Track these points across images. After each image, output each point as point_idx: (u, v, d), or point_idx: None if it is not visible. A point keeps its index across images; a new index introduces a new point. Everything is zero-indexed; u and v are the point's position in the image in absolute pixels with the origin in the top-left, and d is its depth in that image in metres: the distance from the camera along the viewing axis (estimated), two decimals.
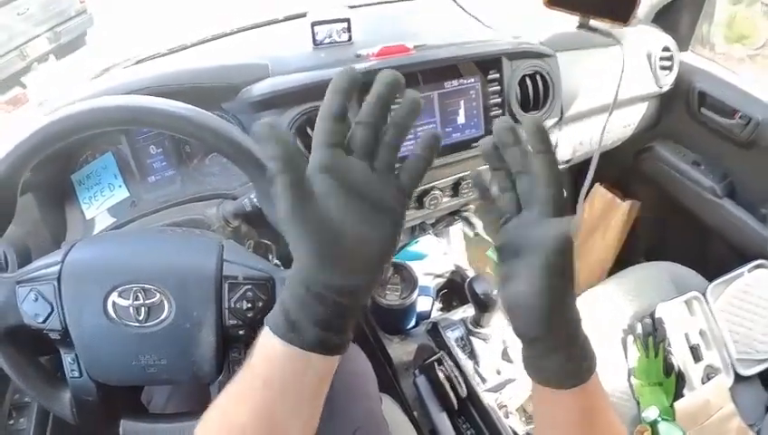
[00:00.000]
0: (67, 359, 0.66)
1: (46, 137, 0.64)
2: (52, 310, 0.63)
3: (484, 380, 1.11)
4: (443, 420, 1.10)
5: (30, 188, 0.84)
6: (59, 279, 0.63)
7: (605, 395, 0.52)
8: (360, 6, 1.20)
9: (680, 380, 1.20)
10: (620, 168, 1.71)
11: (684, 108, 1.46)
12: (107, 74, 1.03)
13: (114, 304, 0.63)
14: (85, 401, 0.68)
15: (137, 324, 0.63)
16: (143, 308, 0.63)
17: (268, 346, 0.45)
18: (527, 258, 0.49)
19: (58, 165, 0.87)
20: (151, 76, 0.88)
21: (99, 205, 0.88)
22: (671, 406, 1.16)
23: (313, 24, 0.97)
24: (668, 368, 1.20)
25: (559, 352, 0.49)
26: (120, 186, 0.89)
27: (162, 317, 0.64)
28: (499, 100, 1.04)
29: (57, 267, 0.63)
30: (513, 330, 0.52)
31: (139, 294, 0.63)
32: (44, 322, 0.63)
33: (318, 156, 0.44)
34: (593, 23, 0.72)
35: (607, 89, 0.93)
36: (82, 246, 0.67)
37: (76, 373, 0.66)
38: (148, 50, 1.08)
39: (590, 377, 0.49)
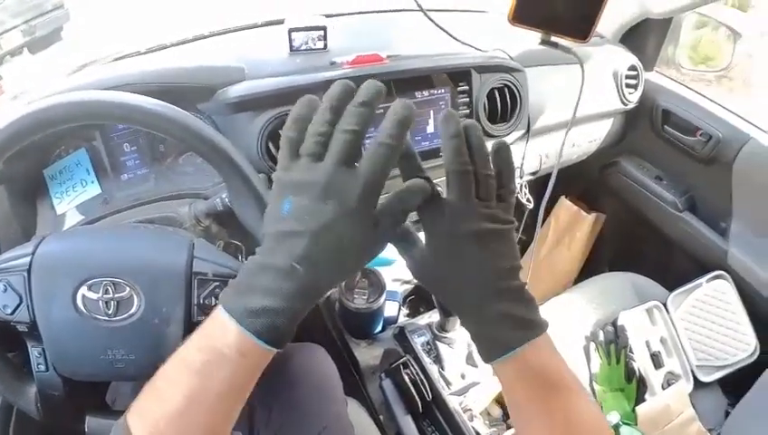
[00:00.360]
0: (34, 352, 0.66)
1: (22, 128, 0.64)
2: (21, 301, 0.63)
3: (449, 383, 1.12)
4: (408, 424, 1.11)
5: (1, 180, 0.84)
6: (29, 271, 0.63)
7: (554, 356, 0.52)
8: (336, 15, 1.22)
9: (641, 386, 1.23)
10: (586, 181, 1.75)
11: (648, 125, 1.51)
12: (85, 70, 1.02)
13: (84, 297, 0.63)
14: (51, 396, 0.68)
15: (106, 318, 0.64)
16: (112, 302, 0.64)
17: (213, 315, 0.47)
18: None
19: (31, 159, 0.86)
20: (129, 73, 0.88)
21: (70, 200, 0.88)
22: (633, 411, 1.19)
23: (290, 31, 0.98)
24: (630, 374, 1.23)
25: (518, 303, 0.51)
26: (93, 182, 0.89)
27: (131, 312, 0.64)
28: (468, 111, 1.07)
29: (28, 259, 0.63)
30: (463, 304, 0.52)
31: (109, 288, 0.64)
32: (12, 313, 0.63)
33: (295, 164, 0.47)
34: (554, 39, 0.76)
35: (571, 105, 0.97)
36: (54, 238, 0.67)
37: (43, 367, 0.66)
38: (127, 48, 1.08)
39: (543, 332, 0.50)
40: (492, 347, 0.50)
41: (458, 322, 1.18)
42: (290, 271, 0.45)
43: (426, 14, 0.96)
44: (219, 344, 0.45)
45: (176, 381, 0.46)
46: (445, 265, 0.51)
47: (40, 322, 0.63)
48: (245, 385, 0.48)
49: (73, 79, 0.95)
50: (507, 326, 0.49)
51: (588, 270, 1.83)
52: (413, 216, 0.51)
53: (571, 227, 1.84)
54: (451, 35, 1.02)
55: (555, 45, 0.77)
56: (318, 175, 0.45)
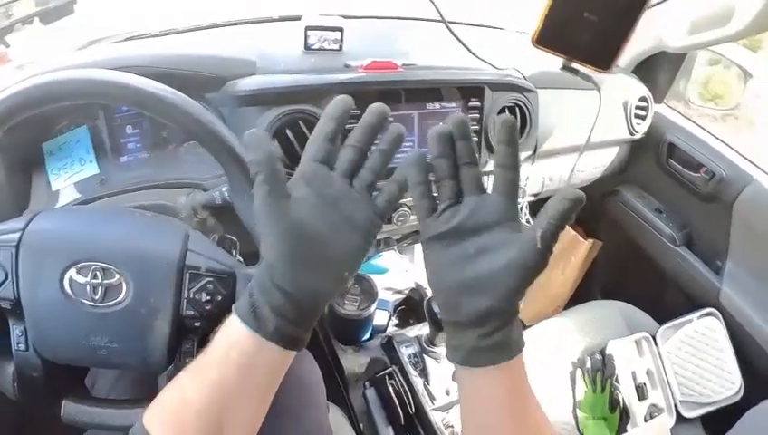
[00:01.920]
0: (15, 331, 0.65)
1: (18, 102, 0.63)
2: (6, 277, 0.61)
3: (433, 398, 1.12)
4: None
5: None
6: (18, 247, 0.61)
7: (526, 376, 0.52)
8: (354, 18, 1.21)
9: (624, 416, 1.23)
10: (586, 207, 1.73)
11: (653, 157, 1.51)
12: (93, 47, 1.01)
13: (71, 279, 0.62)
14: (28, 377, 0.66)
15: (92, 303, 0.62)
16: (100, 287, 0.62)
17: (230, 327, 0.49)
18: (497, 234, 0.49)
19: (31, 130, 0.84)
20: (139, 55, 0.87)
21: (67, 177, 0.86)
22: None
23: (307, 29, 0.97)
24: (614, 403, 1.23)
25: (511, 324, 0.49)
26: (92, 161, 0.87)
27: (119, 299, 0.63)
28: (477, 127, 1.07)
29: (17, 234, 0.62)
30: (457, 309, 0.49)
31: (98, 273, 0.62)
32: None
33: (303, 167, 0.50)
34: (576, 66, 0.75)
35: (581, 130, 0.97)
36: (46, 216, 0.66)
37: (23, 347, 0.65)
38: (139, 29, 1.07)
39: (521, 350, 0.50)
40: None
41: None
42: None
43: (448, 27, 0.95)
44: (242, 358, 0.48)
45: (197, 378, 0.49)
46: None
47: (24, 300, 0.62)
48: (261, 385, 0.50)
49: (81, 55, 0.94)
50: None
51: (580, 296, 1.83)
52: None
53: (566, 251, 1.84)
54: (470, 50, 1.01)
55: (576, 72, 0.77)
56: (334, 189, 0.50)
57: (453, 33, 0.96)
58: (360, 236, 0.50)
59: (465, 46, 1.00)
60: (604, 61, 0.72)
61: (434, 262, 0.51)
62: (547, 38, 0.72)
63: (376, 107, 0.50)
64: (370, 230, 0.51)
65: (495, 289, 0.48)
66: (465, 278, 0.49)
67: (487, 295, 0.48)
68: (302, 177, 0.50)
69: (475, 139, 1.07)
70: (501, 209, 0.50)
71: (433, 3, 0.94)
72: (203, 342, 0.67)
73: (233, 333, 0.48)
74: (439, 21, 0.95)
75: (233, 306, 0.49)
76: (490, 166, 1.08)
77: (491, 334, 0.48)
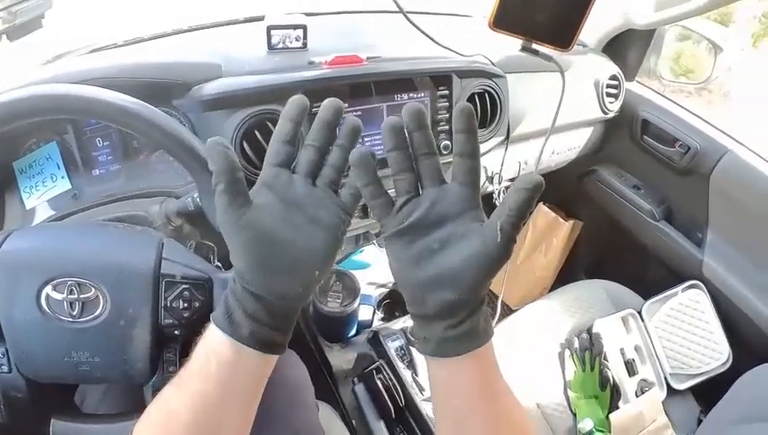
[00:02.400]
0: None
1: None
2: None
3: (422, 389, 1.12)
4: (381, 429, 1.11)
5: None
6: None
7: (496, 363, 0.51)
8: (317, 14, 1.21)
9: (615, 393, 1.24)
10: (564, 189, 1.76)
11: (627, 134, 1.52)
12: (59, 61, 1.00)
13: (48, 296, 0.62)
14: (14, 398, 0.66)
15: (70, 319, 0.62)
16: (77, 303, 0.62)
17: (209, 337, 0.49)
18: (459, 225, 0.48)
19: (0, 150, 0.84)
20: (104, 67, 0.86)
21: (39, 195, 0.85)
22: (606, 418, 1.19)
23: (270, 28, 0.96)
24: (604, 381, 1.24)
25: (478, 313, 0.49)
26: (63, 177, 0.87)
27: (96, 313, 0.63)
28: (447, 115, 1.07)
29: None
30: (423, 303, 0.49)
31: (74, 289, 0.62)
32: None
33: (264, 173, 0.50)
34: (536, 46, 0.75)
35: (552, 112, 0.97)
36: (19, 235, 0.66)
37: (5, 368, 0.64)
38: (104, 39, 1.06)
39: (489, 338, 0.50)
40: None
41: None
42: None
43: (406, 17, 0.95)
44: (222, 367, 0.48)
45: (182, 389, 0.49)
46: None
47: (2, 321, 0.62)
48: (245, 389, 0.50)
49: (46, 70, 0.93)
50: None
51: (564, 277, 1.85)
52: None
53: (548, 234, 1.85)
54: (431, 38, 1.01)
55: (536, 53, 0.77)
56: (296, 191, 0.50)
57: (412, 22, 0.96)
58: (329, 235, 0.50)
59: (427, 35, 1.00)
60: (564, 40, 0.72)
61: (397, 258, 0.50)
62: (504, 20, 0.72)
63: (329, 102, 0.50)
64: (339, 226, 0.51)
65: (460, 282, 0.47)
66: (429, 273, 0.48)
67: (452, 288, 0.47)
68: (264, 183, 0.50)
69: (447, 126, 1.07)
70: (462, 199, 0.49)
71: None
72: (184, 349, 0.67)
73: (211, 341, 0.49)
74: (399, 12, 0.95)
75: (211, 315, 0.49)
76: None
77: (458, 325, 0.48)
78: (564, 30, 0.73)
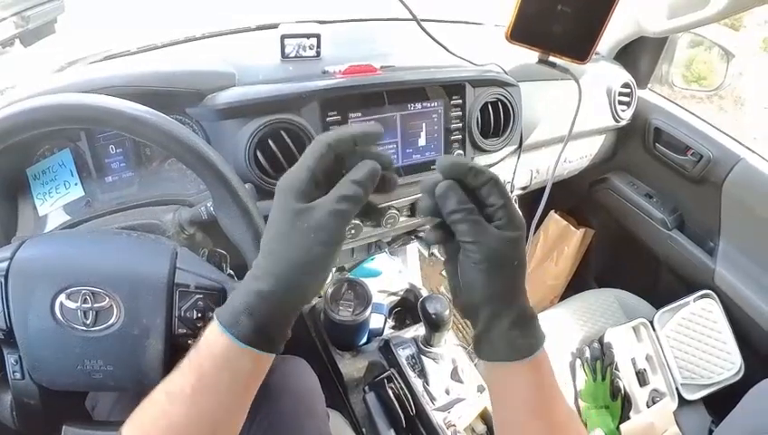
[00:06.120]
0: (10, 359, 0.65)
1: (4, 129, 0.62)
2: None
3: (433, 398, 1.11)
4: None
5: None
6: (6, 276, 0.61)
7: (553, 371, 0.54)
8: (330, 22, 1.21)
9: (626, 403, 1.23)
10: (576, 197, 1.76)
11: (640, 142, 1.52)
12: (72, 68, 1.00)
13: (62, 305, 0.62)
14: (27, 405, 0.66)
15: (83, 328, 0.62)
16: (91, 312, 0.62)
17: (209, 330, 0.48)
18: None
19: (13, 157, 0.84)
20: (118, 75, 0.86)
21: (53, 202, 0.86)
22: (617, 428, 1.19)
23: (283, 37, 0.96)
24: (615, 391, 1.23)
25: (525, 319, 0.51)
26: (76, 184, 0.87)
27: (110, 322, 0.63)
28: (460, 125, 1.06)
29: (6, 263, 0.62)
30: (476, 309, 0.51)
31: (88, 298, 0.62)
32: None
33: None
34: (552, 59, 0.74)
35: (565, 121, 0.96)
36: (33, 243, 0.66)
37: (18, 375, 0.65)
38: (117, 46, 1.06)
39: (541, 348, 0.52)
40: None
41: (444, 337, 1.18)
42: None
43: (420, 25, 0.95)
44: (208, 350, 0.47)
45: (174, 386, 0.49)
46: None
47: (16, 329, 0.62)
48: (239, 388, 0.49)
49: (60, 77, 0.93)
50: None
51: (575, 285, 1.84)
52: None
53: (559, 242, 1.85)
54: (445, 48, 1.01)
55: (553, 65, 0.76)
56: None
57: (426, 31, 0.96)
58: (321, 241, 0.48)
59: (440, 44, 1.00)
60: (581, 52, 0.71)
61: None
62: (521, 33, 0.71)
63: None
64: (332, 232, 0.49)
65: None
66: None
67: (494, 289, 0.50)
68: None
69: (459, 136, 1.07)
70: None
71: (403, 3, 0.93)
72: None
73: (210, 335, 0.48)
74: (412, 20, 0.95)
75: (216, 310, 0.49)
76: (476, 162, 1.07)
77: (505, 331, 0.50)
78: (581, 42, 0.72)
